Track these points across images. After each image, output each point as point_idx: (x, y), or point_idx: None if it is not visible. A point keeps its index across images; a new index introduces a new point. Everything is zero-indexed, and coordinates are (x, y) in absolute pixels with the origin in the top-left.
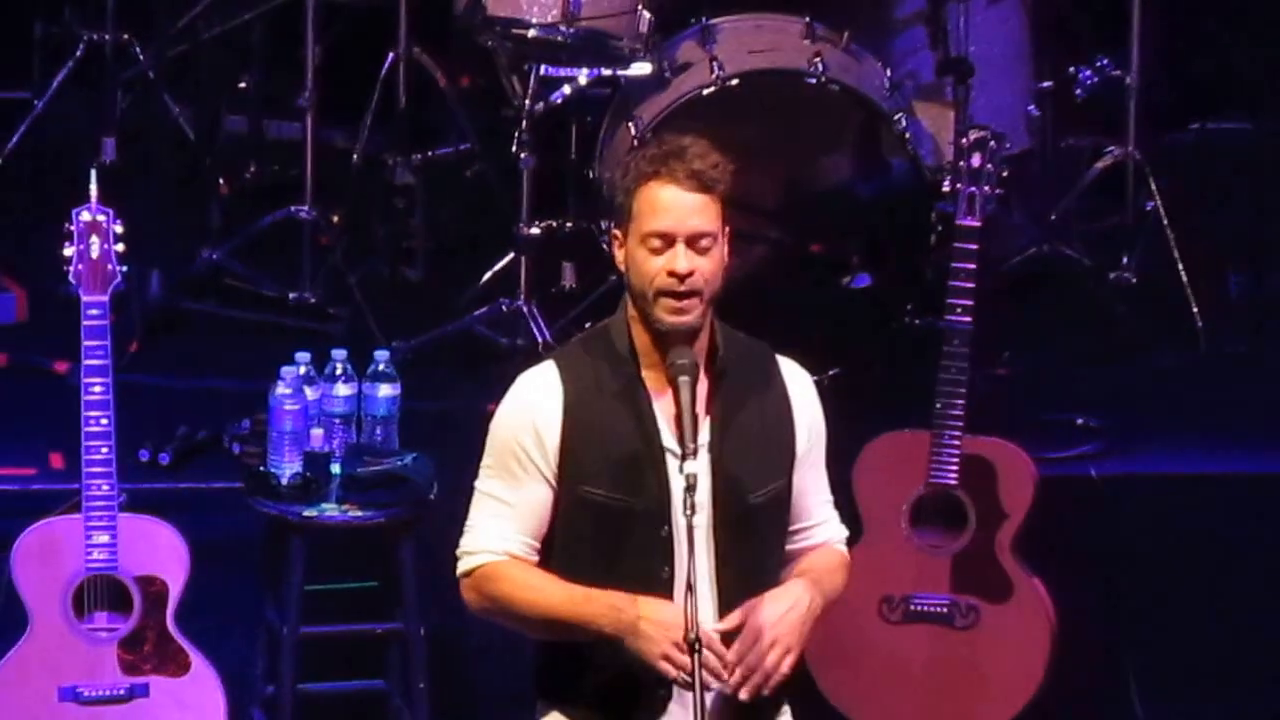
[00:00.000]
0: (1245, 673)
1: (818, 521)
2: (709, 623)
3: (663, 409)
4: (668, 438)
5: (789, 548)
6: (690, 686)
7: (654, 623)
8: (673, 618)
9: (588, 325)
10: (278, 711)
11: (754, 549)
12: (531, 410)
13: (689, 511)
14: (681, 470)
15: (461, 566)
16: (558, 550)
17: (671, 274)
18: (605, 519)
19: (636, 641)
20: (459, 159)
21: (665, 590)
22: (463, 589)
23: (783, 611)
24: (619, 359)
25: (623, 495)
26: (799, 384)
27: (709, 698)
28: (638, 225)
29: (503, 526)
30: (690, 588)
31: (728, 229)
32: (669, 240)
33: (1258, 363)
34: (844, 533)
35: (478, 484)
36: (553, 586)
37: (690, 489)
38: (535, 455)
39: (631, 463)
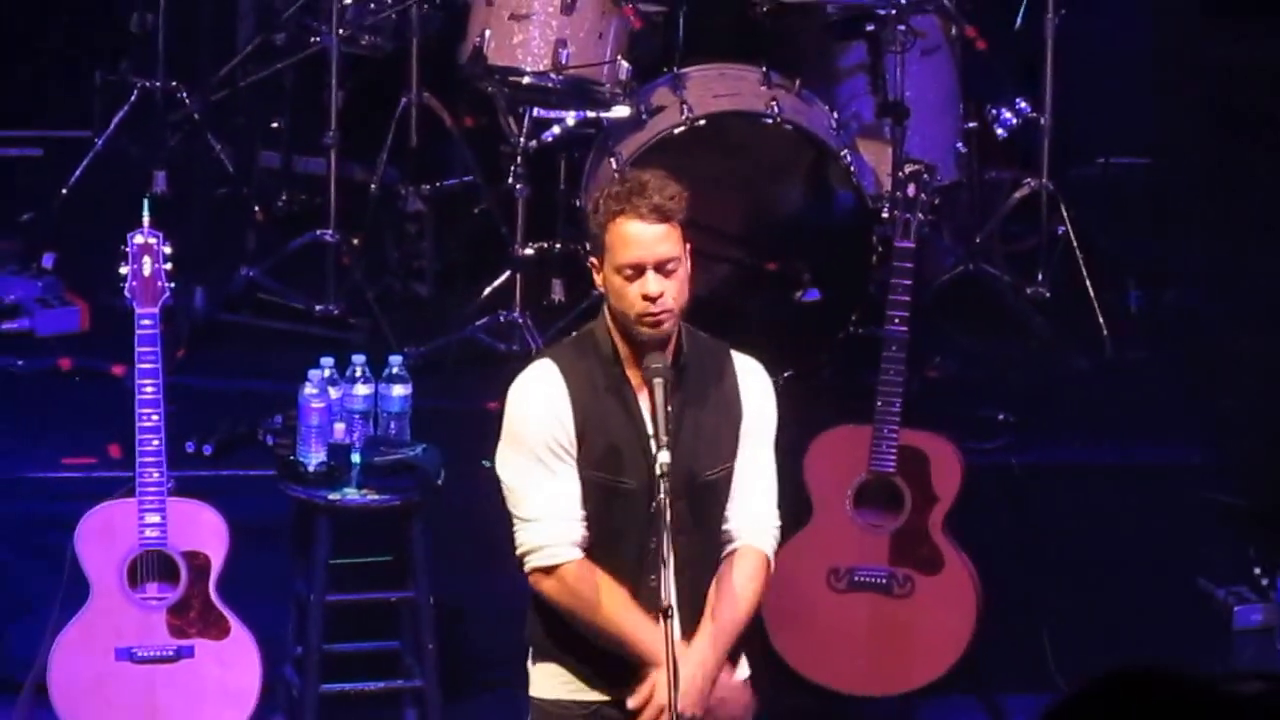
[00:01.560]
0: (1140, 632)
1: (741, 506)
2: (670, 588)
3: (643, 403)
4: (649, 426)
5: (725, 513)
6: None
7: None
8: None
9: (573, 334)
10: (305, 669)
11: (705, 522)
12: (553, 406)
13: (659, 493)
14: (656, 457)
15: (540, 561)
16: None
17: (645, 297)
18: (605, 498)
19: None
20: (463, 189)
21: (653, 561)
22: (542, 582)
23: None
24: (605, 360)
25: (618, 477)
26: (751, 376)
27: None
28: (611, 257)
29: (567, 518)
30: (664, 561)
31: (689, 246)
32: (640, 269)
33: (1155, 367)
34: (771, 531)
35: (516, 479)
36: (633, 623)
37: (663, 475)
38: (566, 444)
39: (624, 449)
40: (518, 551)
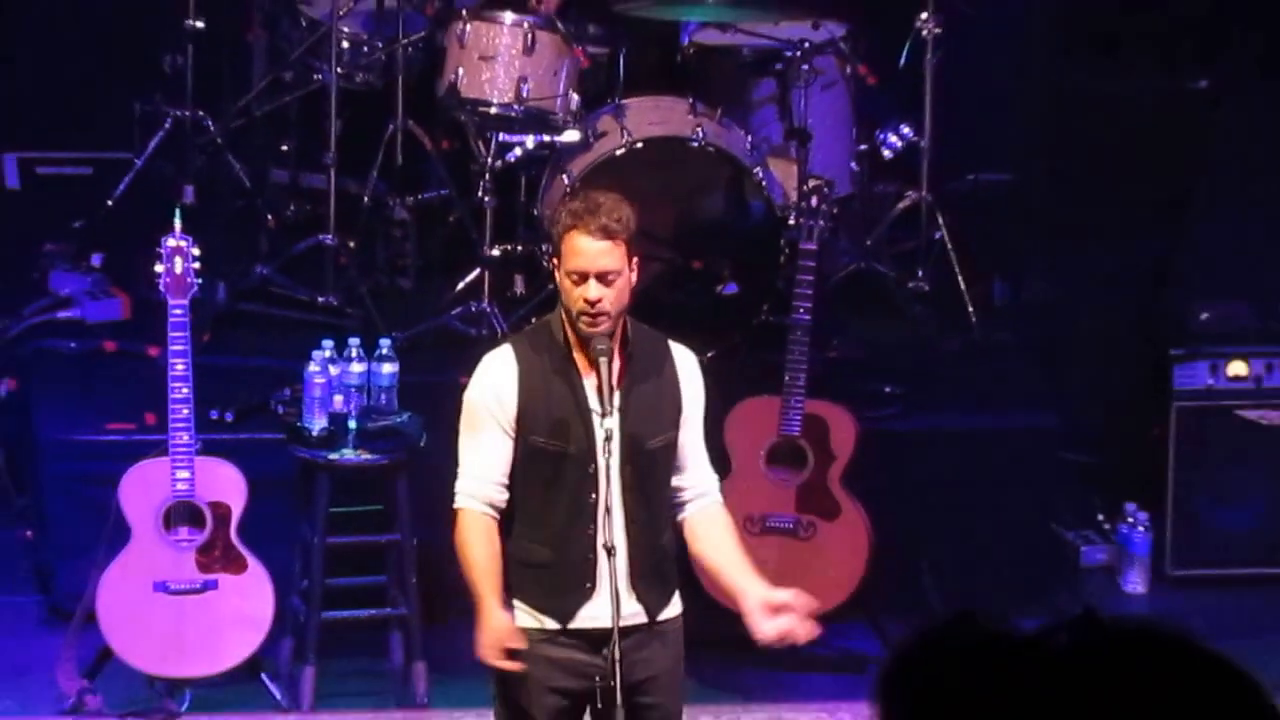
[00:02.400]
0: (1004, 569)
1: (693, 469)
2: (619, 534)
3: (589, 381)
4: (593, 401)
5: (675, 482)
6: None
7: (487, 630)
8: (495, 632)
9: (533, 320)
10: (310, 599)
11: (650, 480)
12: (496, 381)
13: (606, 454)
14: (602, 425)
15: (455, 503)
16: (518, 486)
17: (586, 300)
18: (549, 461)
19: (479, 633)
20: (440, 200)
21: (592, 512)
22: (456, 518)
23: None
24: (557, 345)
25: (560, 443)
26: (686, 362)
27: (622, 590)
28: (564, 262)
29: (481, 474)
30: (608, 510)
31: (635, 259)
32: (584, 276)
33: (1015, 348)
34: (715, 479)
35: (460, 441)
36: (477, 568)
37: (608, 439)
38: (502, 418)
39: (566, 419)
40: None
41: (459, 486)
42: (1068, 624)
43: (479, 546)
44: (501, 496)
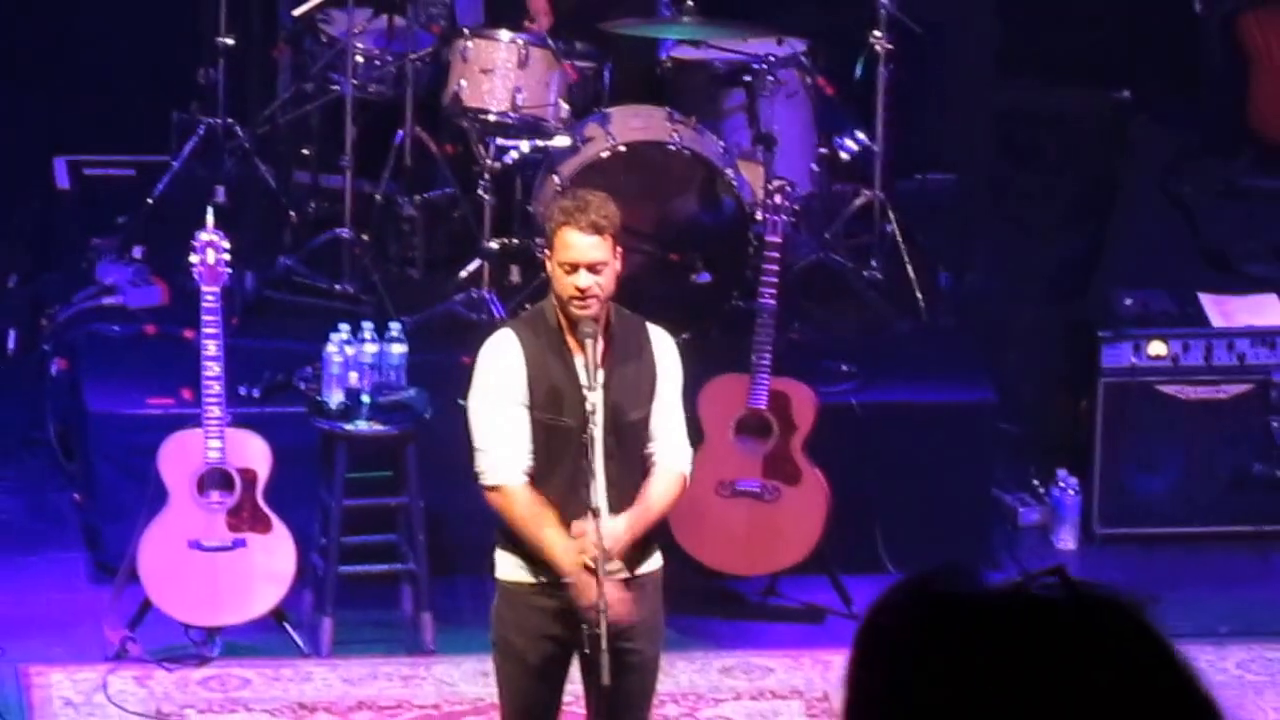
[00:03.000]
0: (949, 528)
1: (662, 438)
2: (602, 497)
3: (578, 360)
4: (582, 377)
5: (645, 450)
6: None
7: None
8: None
9: (527, 306)
10: (328, 556)
11: (628, 449)
12: (508, 362)
13: (592, 425)
14: (589, 399)
15: (486, 480)
16: None
17: (577, 288)
18: (549, 433)
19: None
20: (445, 199)
21: (583, 478)
22: (489, 497)
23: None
24: (550, 329)
25: (559, 417)
26: (662, 343)
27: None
28: (556, 254)
29: (513, 447)
30: (594, 475)
31: (619, 251)
32: (575, 267)
33: (958, 331)
34: (685, 454)
35: (477, 416)
36: (547, 532)
37: (592, 411)
38: (519, 391)
39: (562, 394)
40: (474, 472)
41: (489, 463)
42: (1038, 575)
43: (542, 515)
44: (531, 464)
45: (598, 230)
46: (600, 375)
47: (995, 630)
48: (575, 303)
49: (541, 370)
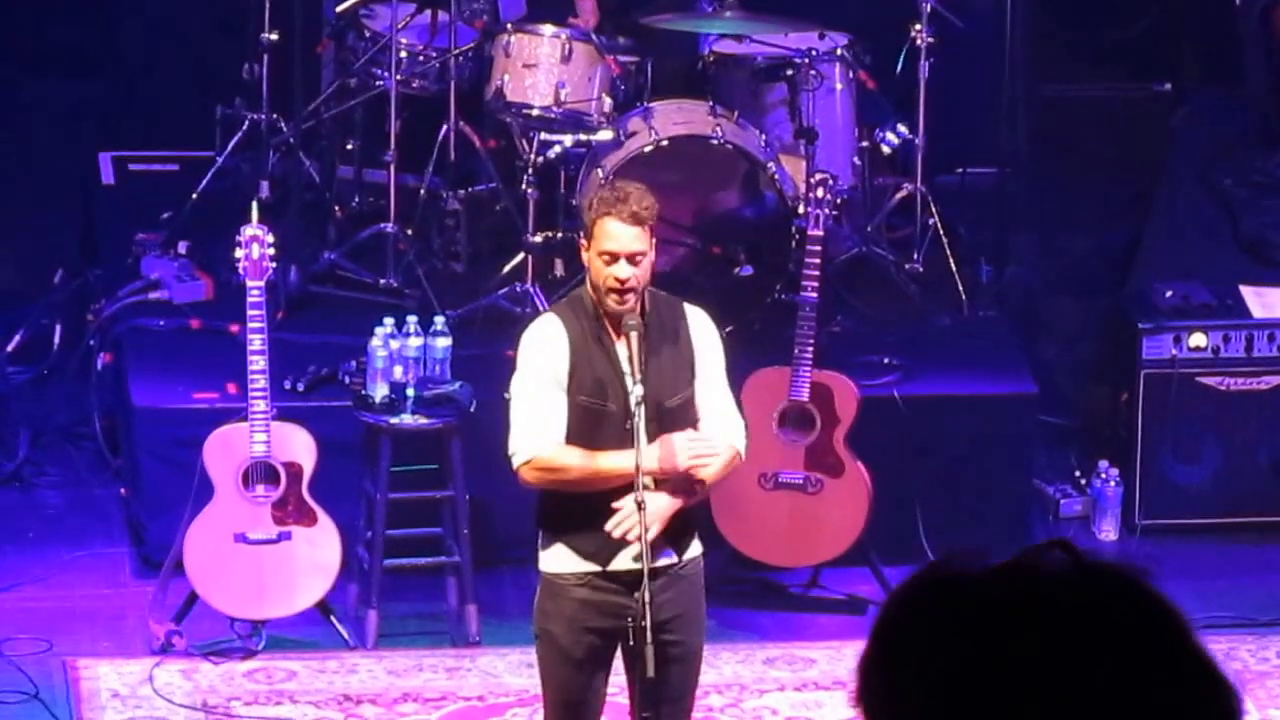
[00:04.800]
0: (991, 519)
1: (710, 416)
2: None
3: (620, 346)
4: (624, 365)
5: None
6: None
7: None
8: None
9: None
10: (373, 549)
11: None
12: (553, 346)
13: (635, 415)
14: (632, 389)
15: (519, 459)
16: (568, 441)
17: (616, 279)
18: (592, 418)
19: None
20: (488, 193)
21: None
22: (522, 473)
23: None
24: (590, 316)
25: (602, 401)
26: (699, 323)
27: (651, 530)
28: (596, 244)
29: (549, 425)
30: (638, 466)
31: (655, 242)
32: (615, 257)
33: (999, 323)
34: (737, 428)
35: (516, 397)
36: (594, 462)
37: (637, 404)
38: (559, 376)
39: (605, 380)
40: (508, 453)
41: (525, 445)
42: (1040, 547)
43: (583, 451)
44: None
45: (639, 221)
46: (638, 364)
47: (998, 604)
48: (613, 296)
49: (585, 356)
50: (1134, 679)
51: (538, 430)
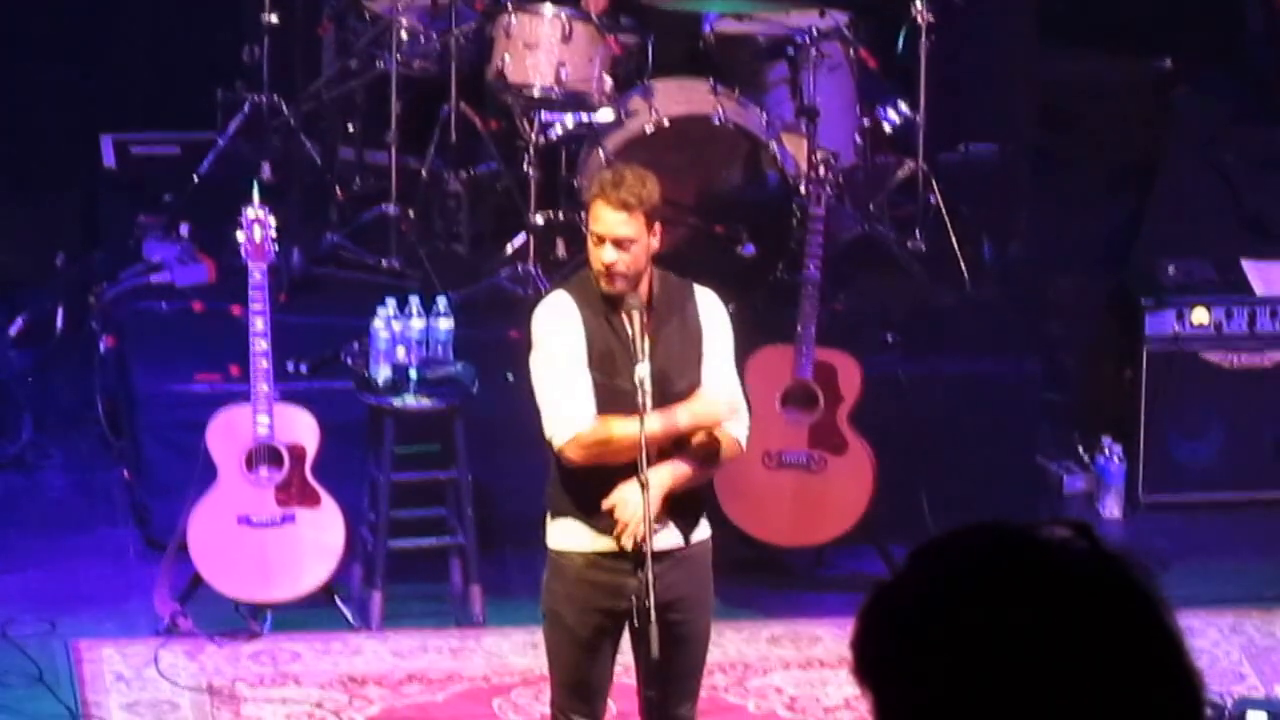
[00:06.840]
0: (995, 496)
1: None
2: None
3: (625, 325)
4: (630, 345)
5: None
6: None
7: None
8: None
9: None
10: (377, 530)
11: None
12: (568, 321)
13: (641, 395)
14: (637, 370)
15: (565, 436)
16: None
17: (603, 262)
18: (605, 395)
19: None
20: (490, 174)
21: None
22: (566, 451)
23: None
24: (594, 295)
25: (614, 380)
26: (708, 303)
27: (655, 518)
28: (590, 226)
29: (579, 402)
30: (644, 447)
31: (658, 227)
32: (602, 240)
33: (1001, 301)
34: (740, 426)
35: (541, 378)
36: (631, 426)
37: (641, 381)
38: (579, 349)
39: (614, 357)
40: (545, 435)
41: (564, 427)
42: (1064, 520)
43: (626, 418)
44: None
45: (625, 207)
46: (646, 345)
47: (1010, 577)
48: (602, 278)
49: (596, 333)
50: (1127, 666)
51: (573, 408)
